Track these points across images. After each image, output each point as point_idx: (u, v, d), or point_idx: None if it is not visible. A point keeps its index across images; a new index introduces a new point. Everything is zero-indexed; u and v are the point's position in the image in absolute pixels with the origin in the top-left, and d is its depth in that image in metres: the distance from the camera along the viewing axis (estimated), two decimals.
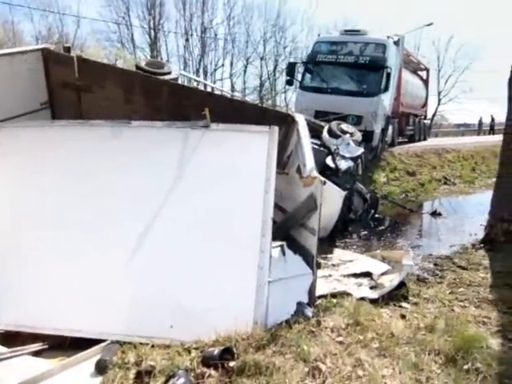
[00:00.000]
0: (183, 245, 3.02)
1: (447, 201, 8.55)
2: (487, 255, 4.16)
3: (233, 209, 3.23)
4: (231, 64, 27.04)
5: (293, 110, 9.90)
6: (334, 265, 4.12)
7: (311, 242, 3.11)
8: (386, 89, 8.94)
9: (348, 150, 5.50)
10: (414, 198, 8.40)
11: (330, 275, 3.74)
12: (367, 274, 3.57)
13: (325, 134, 5.92)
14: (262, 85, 27.70)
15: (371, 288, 3.35)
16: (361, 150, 5.53)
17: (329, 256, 4.46)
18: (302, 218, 3.28)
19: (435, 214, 6.59)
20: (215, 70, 26.50)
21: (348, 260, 4.22)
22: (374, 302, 3.10)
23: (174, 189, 3.37)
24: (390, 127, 11.14)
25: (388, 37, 9.01)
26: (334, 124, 6.18)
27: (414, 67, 15.25)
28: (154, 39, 26.66)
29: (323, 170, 5.45)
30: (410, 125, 14.27)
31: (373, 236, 5.41)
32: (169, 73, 6.30)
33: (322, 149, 5.70)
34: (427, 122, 17.90)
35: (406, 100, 12.91)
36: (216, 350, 2.29)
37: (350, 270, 3.79)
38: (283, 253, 3.00)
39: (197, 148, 3.67)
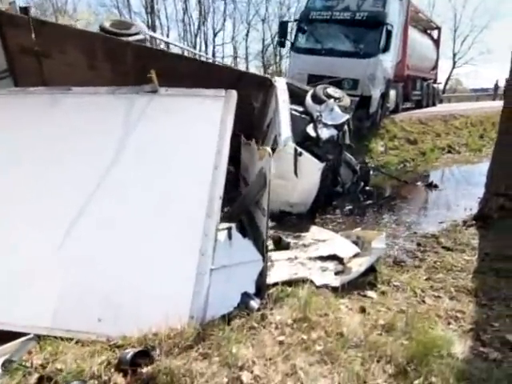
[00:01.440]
0: (117, 227, 2.66)
1: (448, 171, 7.95)
2: (478, 234, 3.71)
3: (177, 186, 2.84)
4: (234, 28, 25.71)
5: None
6: (304, 245, 3.74)
7: (263, 224, 2.71)
8: (387, 49, 8.12)
9: (331, 117, 4.95)
10: (413, 169, 7.82)
11: (296, 257, 3.37)
12: (335, 257, 3.18)
13: (308, 99, 5.35)
14: (265, 50, 26.39)
15: (337, 273, 2.97)
16: (346, 117, 4.97)
17: (302, 235, 4.07)
18: (255, 196, 2.86)
19: (431, 186, 6.05)
20: (215, 34, 25.22)
21: (321, 240, 3.83)
22: (336, 290, 2.73)
23: (114, 164, 2.97)
24: (393, 92, 10.34)
25: None
26: (319, 88, 5.59)
27: (424, 26, 14.03)
28: (150, 3, 25.29)
29: (304, 139, 4.96)
30: (417, 89, 13.31)
31: (357, 211, 4.97)
32: (136, 34, 5.73)
33: (303, 116, 5.17)
34: (437, 86, 16.74)
35: (412, 62, 11.93)
36: (130, 353, 1.97)
37: (318, 252, 3.40)
38: (229, 236, 2.61)
39: (142, 116, 3.22)
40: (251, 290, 2.54)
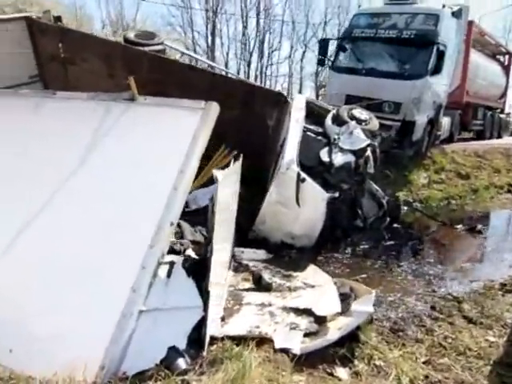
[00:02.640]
0: (45, 250, 2.33)
1: (503, 214, 6.73)
2: None
3: (129, 206, 2.48)
4: (291, 48, 25.76)
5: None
6: (290, 288, 3.15)
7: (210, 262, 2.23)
8: (438, 71, 7.27)
9: (350, 142, 4.34)
10: (458, 207, 6.75)
11: (270, 304, 2.80)
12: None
13: (328, 120, 4.79)
14: (319, 71, 25.99)
15: (307, 335, 2.35)
16: (366, 142, 4.31)
17: (294, 274, 3.48)
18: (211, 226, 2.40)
19: (473, 230, 5.04)
20: (270, 53, 25.44)
21: (311, 284, 3.21)
22: (299, 357, 2.13)
23: (73, 176, 2.71)
24: (447, 119, 9.29)
25: (444, 6, 7.26)
26: (343, 109, 5.00)
27: (493, 50, 12.68)
28: (212, 23, 26.38)
29: (318, 164, 4.40)
30: (478, 118, 11.94)
31: (372, 252, 4.22)
32: (159, 44, 5.70)
33: (319, 138, 4.61)
34: (505, 116, 14.94)
35: (474, 88, 10.74)
36: None
37: (297, 301, 2.80)
38: (168, 274, 2.16)
39: (114, 125, 2.95)
40: (181, 344, 2.05)
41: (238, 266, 3.69)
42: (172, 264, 2.20)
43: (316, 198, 3.83)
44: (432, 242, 4.67)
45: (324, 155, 4.29)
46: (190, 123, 2.79)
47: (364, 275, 3.55)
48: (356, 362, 2.12)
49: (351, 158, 4.23)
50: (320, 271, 3.53)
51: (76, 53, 4.96)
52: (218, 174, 2.19)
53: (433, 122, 8.06)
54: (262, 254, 3.93)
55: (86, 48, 4.94)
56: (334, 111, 4.96)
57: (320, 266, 3.78)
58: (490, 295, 3.03)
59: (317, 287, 3.10)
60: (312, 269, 3.61)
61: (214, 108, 2.90)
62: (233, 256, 3.85)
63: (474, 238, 4.91)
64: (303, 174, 3.84)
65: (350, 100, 7.36)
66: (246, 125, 5.01)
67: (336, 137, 4.44)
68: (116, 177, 2.63)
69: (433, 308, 2.87)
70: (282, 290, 3.13)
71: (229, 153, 5.04)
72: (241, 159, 3.90)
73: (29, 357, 2.05)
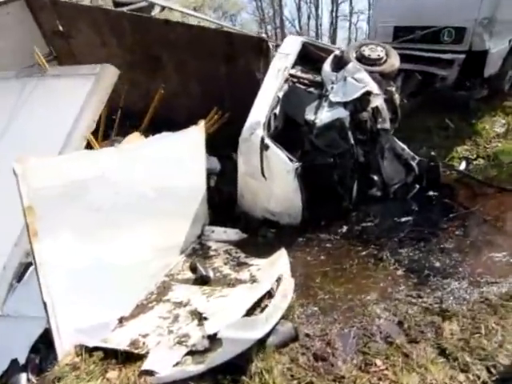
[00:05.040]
0: None
1: None
2: None
3: (10, 199, 2.23)
4: None
5: None
6: (230, 282, 2.65)
7: None
8: None
9: (344, 91, 3.32)
10: None
11: (187, 304, 2.37)
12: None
13: (326, 65, 3.76)
14: None
15: (192, 353, 1.86)
16: (361, 91, 3.24)
17: (251, 262, 2.96)
18: None
19: None
20: None
21: (255, 279, 2.63)
22: None
23: None
24: None
25: None
26: (350, 47, 3.89)
27: None
28: None
29: (304, 124, 3.54)
30: None
31: (372, 232, 3.29)
32: (141, 1, 5.22)
33: (309, 90, 3.67)
34: None
35: None
36: None
37: (212, 304, 2.28)
38: (20, 277, 1.88)
39: (26, 102, 2.69)
40: (23, 357, 1.78)
41: (197, 248, 3.29)
42: (28, 266, 1.91)
43: (281, 170, 3.08)
44: (468, 219, 3.47)
45: (310, 112, 3.39)
46: (81, 93, 2.35)
47: (338, 265, 2.80)
48: None
49: (343, 114, 3.25)
50: (284, 259, 2.87)
51: (70, 25, 4.84)
52: (16, 167, 1.74)
53: None
54: (233, 233, 3.44)
55: (77, 19, 4.78)
56: (338, 52, 3.88)
57: (294, 250, 3.13)
58: (502, 310, 2.04)
59: (256, 284, 2.52)
60: (277, 256, 2.97)
61: (110, 72, 2.40)
62: (199, 236, 3.44)
63: None
64: (267, 140, 3.09)
65: (399, 33, 5.89)
66: (234, 82, 4.32)
67: (330, 86, 3.46)
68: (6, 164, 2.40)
69: (400, 324, 2.06)
70: (221, 284, 2.64)
71: (221, 116, 4.47)
72: (202, 124, 3.34)
73: None
